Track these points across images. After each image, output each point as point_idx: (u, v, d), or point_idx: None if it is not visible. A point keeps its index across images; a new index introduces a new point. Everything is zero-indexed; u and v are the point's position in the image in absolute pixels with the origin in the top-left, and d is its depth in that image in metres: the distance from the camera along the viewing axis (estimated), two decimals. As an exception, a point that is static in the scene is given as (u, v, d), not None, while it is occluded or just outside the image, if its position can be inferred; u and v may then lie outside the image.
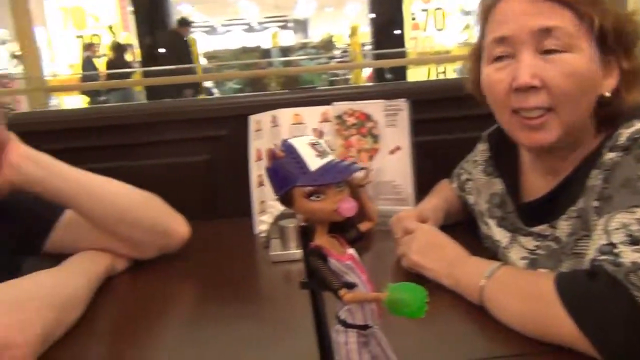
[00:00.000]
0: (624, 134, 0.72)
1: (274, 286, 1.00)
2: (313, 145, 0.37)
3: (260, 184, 1.21)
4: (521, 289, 0.71)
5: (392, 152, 1.15)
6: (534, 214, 0.86)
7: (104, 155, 1.02)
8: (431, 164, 1.18)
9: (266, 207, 1.19)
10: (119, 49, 7.78)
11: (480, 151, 1.03)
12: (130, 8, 8.87)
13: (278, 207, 1.09)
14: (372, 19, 9.48)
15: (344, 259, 0.37)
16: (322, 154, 0.37)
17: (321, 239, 0.38)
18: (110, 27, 8.68)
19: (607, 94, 0.77)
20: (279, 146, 0.37)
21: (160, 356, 0.77)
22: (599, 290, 0.62)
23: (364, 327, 0.38)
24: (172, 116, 1.35)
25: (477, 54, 0.88)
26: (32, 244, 1.01)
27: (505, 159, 0.96)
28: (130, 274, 1.03)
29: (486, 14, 0.83)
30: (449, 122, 1.35)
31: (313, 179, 0.36)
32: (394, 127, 1.14)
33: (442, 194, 1.11)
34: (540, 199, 0.86)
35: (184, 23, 7.27)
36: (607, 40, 0.76)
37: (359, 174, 0.40)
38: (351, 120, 1.18)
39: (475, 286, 0.75)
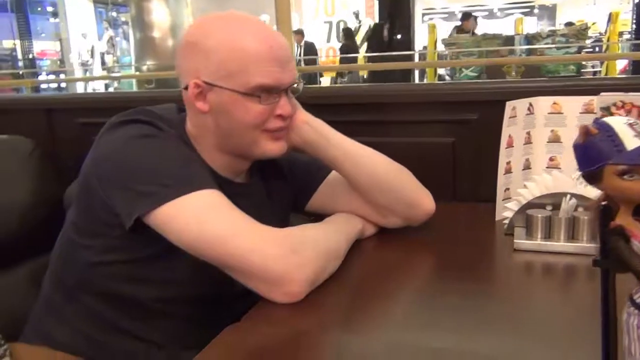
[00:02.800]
0: None
1: (514, 272, 0.99)
2: (631, 125, 0.37)
3: (508, 170, 1.19)
4: None
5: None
6: None
7: (364, 130, 1.12)
8: None
9: (511, 195, 1.17)
10: (349, 34, 8.23)
11: None
12: (376, -4, 9.31)
13: (525, 196, 1.07)
14: (636, 4, 8.38)
15: (648, 242, 0.37)
16: (639, 134, 0.36)
17: (624, 219, 0.37)
18: (357, 14, 9.20)
19: None
20: (592, 124, 0.37)
21: (394, 312, 0.83)
22: None
23: (661, 315, 0.37)
24: (426, 98, 1.40)
25: None
26: (299, 200, 1.15)
27: None
28: (376, 239, 1.11)
29: None
30: None
31: (630, 158, 0.36)
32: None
33: None
34: None
35: (467, 16, 7.38)
36: None
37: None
38: (620, 113, 1.09)
39: None
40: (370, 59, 8.01)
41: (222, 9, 1.01)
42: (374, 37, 7.83)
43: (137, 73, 7.12)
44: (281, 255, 0.82)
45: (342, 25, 9.69)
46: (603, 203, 0.39)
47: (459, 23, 8.51)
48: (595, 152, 0.37)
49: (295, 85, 0.97)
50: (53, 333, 0.98)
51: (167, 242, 0.86)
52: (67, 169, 1.27)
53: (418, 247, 1.09)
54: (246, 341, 0.75)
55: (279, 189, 1.12)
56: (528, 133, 1.19)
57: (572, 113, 1.17)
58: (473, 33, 6.97)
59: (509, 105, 1.16)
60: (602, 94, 1.12)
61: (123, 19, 12.96)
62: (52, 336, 0.98)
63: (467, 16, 7.74)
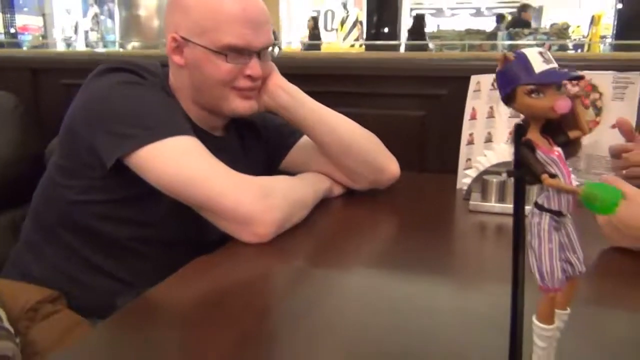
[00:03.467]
0: None
1: (468, 230, 1.07)
2: (541, 53, 0.44)
3: (470, 142, 1.27)
4: None
5: (614, 126, 1.12)
6: None
7: (337, 100, 1.18)
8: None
9: (472, 164, 1.25)
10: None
11: None
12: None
13: (484, 163, 1.15)
14: (619, 10, 8.55)
15: (550, 153, 0.44)
16: (547, 61, 0.43)
17: (533, 134, 0.44)
18: (344, 4, 9.25)
19: None
20: (511, 53, 0.44)
21: (356, 260, 0.90)
22: None
23: (558, 214, 0.44)
24: (399, 72, 1.47)
25: None
26: (272, 160, 1.22)
27: None
28: (343, 199, 1.18)
29: None
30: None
31: (536, 78, 0.42)
32: (620, 100, 1.11)
33: None
34: None
35: (526, 7, 7.44)
36: None
37: (576, 88, 0.46)
38: (575, 89, 1.17)
39: None
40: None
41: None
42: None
43: (121, 50, 7.07)
44: (251, 198, 0.88)
45: (329, 15, 9.74)
46: (518, 123, 0.46)
47: (446, 18, 8.58)
48: (510, 76, 0.44)
49: (270, 49, 1.03)
50: (31, 269, 1.03)
51: (146, 184, 0.92)
52: (49, 126, 1.31)
53: (383, 207, 1.16)
54: (212, 271, 0.81)
55: (254, 147, 1.18)
56: (491, 107, 1.27)
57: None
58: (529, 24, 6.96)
59: (474, 79, 1.23)
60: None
61: (109, -4, 12.80)
62: (30, 272, 1.03)
63: (526, 7, 7.72)
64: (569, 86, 1.18)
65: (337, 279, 0.80)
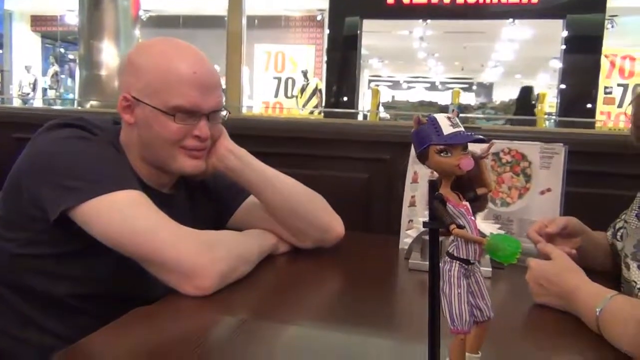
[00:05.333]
0: None
1: (406, 286, 1.11)
2: (449, 118, 0.50)
3: (412, 204, 1.33)
4: (635, 314, 0.73)
5: (542, 192, 1.20)
6: None
7: (285, 162, 1.24)
8: (579, 215, 1.19)
9: (413, 225, 1.30)
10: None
11: (637, 198, 1.05)
12: (325, 58, 9.75)
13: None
14: (562, 90, 9.15)
15: (459, 207, 0.49)
16: (454, 125, 0.49)
17: (444, 190, 0.50)
18: (305, 73, 9.55)
19: None
20: (425, 117, 0.50)
21: (299, 312, 0.92)
22: None
23: (466, 262, 0.49)
24: (345, 136, 1.54)
25: None
26: (221, 217, 1.24)
27: None
28: (289, 256, 1.20)
29: None
30: (605, 177, 1.35)
31: (444, 139, 0.48)
32: (547, 169, 1.20)
33: None
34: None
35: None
36: None
37: (482, 148, 0.52)
38: (506, 158, 1.26)
39: (592, 316, 0.78)
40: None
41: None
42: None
43: (79, 108, 7.05)
44: (195, 251, 0.90)
45: (290, 82, 10.02)
46: (431, 179, 0.51)
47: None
48: (423, 136, 0.50)
49: (219, 112, 1.07)
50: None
51: (90, 239, 0.93)
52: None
53: (326, 264, 1.19)
54: (151, 321, 0.81)
55: (203, 204, 1.21)
56: (432, 172, 1.34)
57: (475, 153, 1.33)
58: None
59: (415, 145, 1.31)
60: (494, 141, 1.29)
61: (71, 56, 12.84)
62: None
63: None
64: (501, 154, 1.27)
65: (277, 331, 0.82)
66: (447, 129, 0.49)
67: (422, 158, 0.50)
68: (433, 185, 0.50)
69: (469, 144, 0.51)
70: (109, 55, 6.61)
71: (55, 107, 7.25)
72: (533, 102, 7.31)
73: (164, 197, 1.09)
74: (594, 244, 1.10)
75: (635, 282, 0.93)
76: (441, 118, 0.49)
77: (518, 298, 0.96)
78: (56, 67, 11.68)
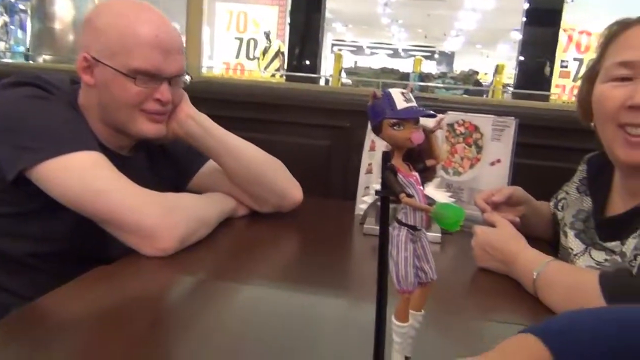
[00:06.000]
0: None
1: (359, 250, 1.16)
2: (403, 93, 0.53)
3: (369, 171, 1.37)
4: (567, 279, 0.80)
5: (492, 164, 1.26)
6: (611, 230, 0.93)
7: (247, 126, 1.24)
8: (525, 185, 1.25)
9: (369, 192, 1.34)
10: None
11: (579, 171, 1.12)
12: (288, 20, 9.59)
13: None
14: (520, 62, 9.32)
15: (409, 177, 0.52)
16: (407, 100, 0.52)
17: (396, 161, 0.53)
18: (267, 35, 9.38)
19: None
20: (380, 91, 0.53)
21: (258, 272, 0.96)
22: (637, 286, 0.70)
23: (414, 228, 0.53)
24: (307, 102, 1.56)
25: (591, 75, 0.97)
26: (180, 180, 1.25)
27: (599, 180, 1.04)
28: (247, 219, 1.23)
29: (611, 38, 0.93)
30: (552, 150, 1.42)
31: (397, 114, 0.51)
32: (498, 141, 1.25)
33: None
34: (616, 218, 0.93)
35: None
36: None
37: (433, 122, 0.55)
38: (460, 129, 1.30)
39: (529, 280, 0.85)
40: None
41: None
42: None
43: (31, 63, 6.76)
44: (155, 213, 0.92)
45: (252, 44, 9.84)
46: (385, 151, 0.54)
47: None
48: (378, 110, 0.52)
49: (180, 77, 1.07)
50: None
51: (50, 198, 0.93)
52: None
53: (284, 228, 1.22)
54: (110, 280, 0.83)
55: (162, 167, 1.21)
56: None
57: (426, 125, 1.37)
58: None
59: (374, 114, 1.34)
60: (449, 112, 1.34)
61: (22, 6, 12.23)
62: None
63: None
64: (456, 126, 1.32)
65: (234, 291, 0.85)
66: (400, 103, 0.51)
67: (377, 131, 0.53)
68: (386, 157, 0.53)
69: (421, 118, 0.54)
70: (63, 8, 6.33)
71: (4, 60, 6.92)
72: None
73: (123, 159, 1.09)
74: (536, 213, 1.17)
75: (572, 249, 1.00)
76: (395, 93, 0.52)
77: (463, 262, 1.02)
78: (5, 18, 11.09)
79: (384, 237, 0.55)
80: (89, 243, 0.99)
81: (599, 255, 0.93)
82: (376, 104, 0.53)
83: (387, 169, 0.52)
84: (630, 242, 0.86)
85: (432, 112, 0.54)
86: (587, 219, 1.02)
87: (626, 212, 0.91)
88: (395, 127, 0.51)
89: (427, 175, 0.55)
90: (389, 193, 0.52)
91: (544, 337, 0.49)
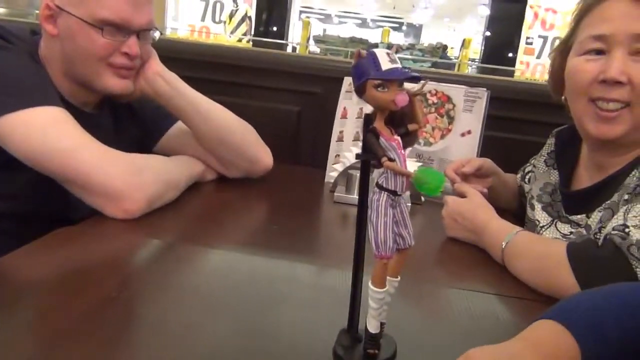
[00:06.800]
0: None
1: (329, 217, 1.15)
2: (388, 54, 0.51)
3: (340, 139, 1.36)
4: (535, 249, 0.82)
5: (463, 134, 1.27)
6: (577, 204, 0.95)
7: (217, 89, 1.21)
8: (493, 157, 1.26)
9: (340, 160, 1.34)
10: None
11: (547, 145, 1.13)
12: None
13: (350, 159, 1.24)
14: (486, 37, 9.38)
15: (391, 140, 0.51)
16: (392, 61, 0.51)
17: (378, 124, 0.52)
18: (234, -2, 9.14)
19: None
20: (364, 51, 0.51)
21: (226, 237, 0.94)
22: (603, 257, 0.71)
23: (394, 193, 0.52)
24: (278, 66, 1.53)
25: (565, 48, 0.97)
26: (146, 141, 1.21)
27: (566, 154, 1.06)
28: (215, 183, 1.21)
29: (586, 11, 0.93)
30: (521, 124, 1.44)
31: (382, 74, 0.50)
32: (469, 112, 1.26)
33: None
34: (583, 191, 0.95)
35: None
36: None
37: (417, 85, 0.54)
38: (433, 99, 1.30)
39: (498, 249, 0.86)
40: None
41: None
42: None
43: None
44: (122, 174, 0.88)
45: (218, 6, 9.57)
46: (367, 113, 0.53)
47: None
48: (361, 70, 0.51)
49: (149, 31, 1.02)
50: None
51: (7, 154, 0.88)
52: None
53: (253, 194, 1.20)
54: (74, 241, 0.80)
55: (128, 126, 1.17)
56: (361, 108, 1.37)
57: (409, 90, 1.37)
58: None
59: (347, 80, 1.32)
60: (427, 80, 1.33)
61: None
62: None
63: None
64: (428, 95, 1.31)
65: (202, 255, 0.84)
66: (385, 64, 0.50)
67: (360, 92, 0.51)
68: (368, 119, 0.52)
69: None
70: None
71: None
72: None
73: (87, 116, 1.04)
74: (504, 185, 1.19)
75: (538, 221, 1.02)
76: (381, 53, 0.51)
77: (433, 232, 1.03)
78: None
79: (363, 201, 0.54)
80: (50, 203, 0.95)
81: (565, 228, 0.95)
82: (360, 64, 0.51)
83: (369, 132, 0.51)
84: (596, 215, 0.88)
85: (417, 74, 0.53)
86: (553, 192, 1.04)
87: (592, 186, 0.93)
88: (379, 89, 0.50)
89: (408, 139, 0.54)
90: (371, 157, 0.51)
91: (571, 329, 0.48)
